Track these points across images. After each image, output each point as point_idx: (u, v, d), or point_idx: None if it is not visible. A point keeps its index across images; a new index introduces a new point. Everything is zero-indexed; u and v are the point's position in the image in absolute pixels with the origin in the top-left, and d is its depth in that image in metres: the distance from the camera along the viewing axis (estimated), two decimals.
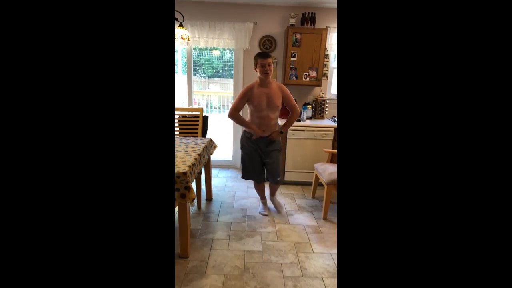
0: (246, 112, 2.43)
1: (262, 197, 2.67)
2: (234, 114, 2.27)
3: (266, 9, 3.27)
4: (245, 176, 2.51)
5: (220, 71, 4.61)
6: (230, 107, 2.29)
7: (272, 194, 2.68)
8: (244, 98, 2.23)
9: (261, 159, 2.41)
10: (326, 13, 3.25)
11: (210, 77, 4.79)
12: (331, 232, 2.33)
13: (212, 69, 4.54)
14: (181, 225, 1.87)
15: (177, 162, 1.89)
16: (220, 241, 2.14)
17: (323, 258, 1.99)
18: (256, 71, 2.19)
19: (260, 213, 2.58)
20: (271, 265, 1.90)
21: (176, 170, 1.75)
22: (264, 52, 2.23)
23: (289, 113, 2.39)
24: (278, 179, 2.45)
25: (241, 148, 2.47)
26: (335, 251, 2.08)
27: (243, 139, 2.43)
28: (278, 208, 2.65)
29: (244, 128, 2.40)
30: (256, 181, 2.54)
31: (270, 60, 2.14)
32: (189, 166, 1.83)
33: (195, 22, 3.20)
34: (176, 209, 1.91)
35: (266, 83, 2.20)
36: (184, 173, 1.74)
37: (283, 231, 2.31)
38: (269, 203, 2.74)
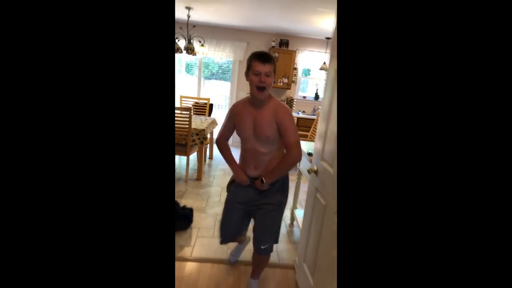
0: None
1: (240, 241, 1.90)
2: (220, 142, 1.60)
3: (256, 34, 4.77)
4: (224, 239, 1.65)
5: (215, 73, 5.27)
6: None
7: (255, 274, 1.68)
8: (230, 120, 1.53)
9: (248, 214, 1.61)
10: (296, 40, 4.78)
11: (206, 78, 5.28)
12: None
13: (208, 71, 5.28)
14: (199, 159, 3.31)
15: (198, 125, 3.32)
16: (219, 175, 3.59)
17: None
18: (247, 80, 1.37)
19: (230, 260, 1.91)
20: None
21: (199, 127, 3.19)
22: (264, 53, 1.36)
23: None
24: (263, 247, 1.51)
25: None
26: None
27: (229, 184, 1.65)
28: None
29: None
30: (225, 242, 1.68)
31: (270, 67, 1.32)
32: (206, 127, 3.27)
33: (207, 39, 4.66)
34: (196, 153, 3.35)
35: (259, 101, 1.40)
36: (203, 129, 3.18)
37: None
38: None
